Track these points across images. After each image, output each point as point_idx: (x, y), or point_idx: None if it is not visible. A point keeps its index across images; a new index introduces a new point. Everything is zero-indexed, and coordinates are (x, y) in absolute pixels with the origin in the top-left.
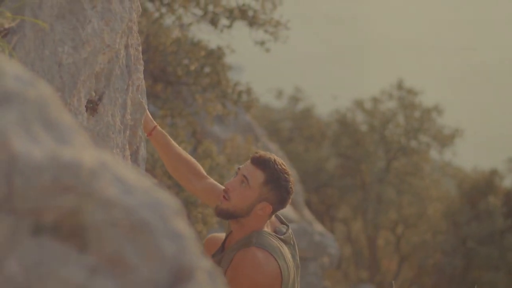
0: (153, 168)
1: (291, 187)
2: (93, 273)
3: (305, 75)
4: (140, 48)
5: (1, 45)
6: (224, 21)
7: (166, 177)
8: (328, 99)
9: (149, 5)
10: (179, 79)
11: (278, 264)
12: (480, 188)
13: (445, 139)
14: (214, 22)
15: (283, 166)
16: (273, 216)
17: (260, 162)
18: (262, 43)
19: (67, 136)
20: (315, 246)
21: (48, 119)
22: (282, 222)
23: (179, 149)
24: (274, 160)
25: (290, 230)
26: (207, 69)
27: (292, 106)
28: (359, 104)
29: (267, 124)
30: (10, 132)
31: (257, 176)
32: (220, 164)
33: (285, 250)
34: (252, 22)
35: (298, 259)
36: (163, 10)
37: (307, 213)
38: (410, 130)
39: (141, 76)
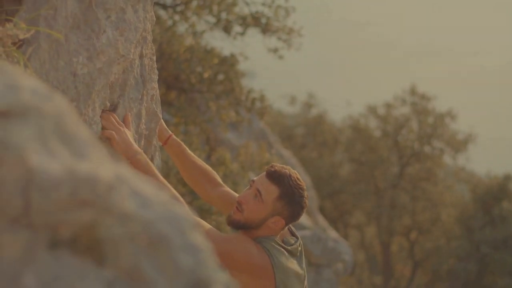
0: (167, 175)
1: (305, 202)
2: (110, 287)
3: (318, 81)
4: (154, 58)
5: (16, 56)
6: (237, 28)
7: (181, 185)
8: (341, 105)
9: (162, 13)
10: (192, 87)
11: (271, 263)
12: (494, 193)
13: (459, 145)
14: (227, 30)
15: (298, 182)
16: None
17: (275, 177)
18: (275, 50)
19: (83, 150)
20: (329, 252)
21: (65, 133)
22: (292, 234)
23: (194, 157)
24: (289, 176)
25: (299, 242)
26: (220, 77)
27: (305, 112)
28: (372, 109)
29: (280, 131)
30: (27, 146)
31: (271, 191)
32: (234, 171)
33: (289, 258)
34: (265, 29)
35: (305, 272)
36: (176, 17)
37: (320, 219)
38: (424, 136)
39: (156, 85)
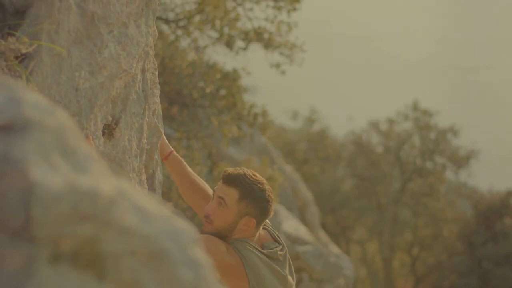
0: (169, 190)
1: (268, 195)
2: None
3: (320, 96)
4: (156, 72)
5: (18, 70)
6: (239, 43)
7: (182, 200)
8: (344, 120)
9: (165, 28)
10: (195, 102)
11: (242, 263)
12: (496, 209)
13: (461, 160)
14: (229, 45)
15: (255, 177)
16: (266, 233)
17: (231, 180)
18: (277, 65)
19: (85, 164)
20: (331, 268)
21: (66, 147)
22: (275, 240)
23: (194, 175)
24: (244, 174)
25: (281, 247)
26: (222, 92)
27: (307, 127)
28: (374, 125)
29: (283, 145)
30: (29, 160)
31: (232, 194)
32: None
33: (264, 260)
34: (268, 44)
35: (291, 278)
36: (179, 32)
37: (322, 235)
38: (426, 151)
39: (158, 100)
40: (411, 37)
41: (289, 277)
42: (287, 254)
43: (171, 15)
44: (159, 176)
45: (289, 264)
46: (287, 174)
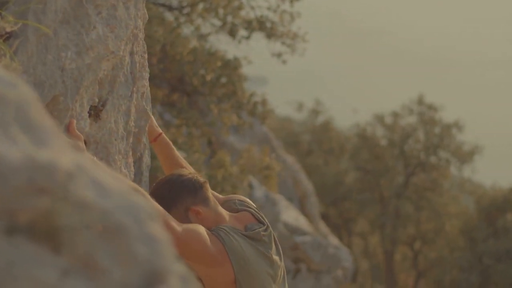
0: (156, 171)
1: (180, 181)
2: (65, 275)
3: (326, 88)
4: (145, 56)
5: (2, 48)
6: (242, 32)
7: None
8: (349, 112)
9: (168, 15)
10: (195, 89)
11: (225, 248)
12: (498, 205)
13: (465, 156)
14: (232, 33)
15: (160, 184)
16: (249, 214)
17: None
18: (279, 55)
19: (45, 138)
20: (329, 259)
21: (27, 121)
22: (259, 221)
23: (180, 158)
24: (153, 190)
25: (263, 228)
26: (223, 80)
27: (312, 119)
28: (379, 118)
29: (286, 136)
30: None
31: None
32: (233, 175)
33: (247, 242)
34: (270, 34)
35: (278, 259)
36: (182, 20)
37: (322, 226)
38: (430, 146)
39: (146, 83)
40: (424, 32)
41: (276, 257)
42: (273, 234)
43: (174, 2)
44: (146, 159)
45: (276, 244)
46: (288, 164)
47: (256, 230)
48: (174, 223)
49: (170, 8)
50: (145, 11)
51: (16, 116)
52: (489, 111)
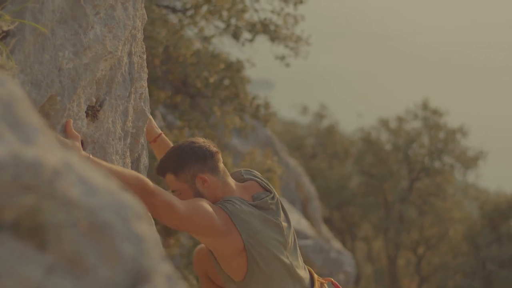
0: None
1: (191, 148)
2: (50, 272)
3: (331, 91)
4: (144, 56)
5: None
6: (246, 35)
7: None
8: (353, 116)
9: (172, 17)
10: (198, 91)
11: (230, 217)
12: (502, 210)
13: (469, 161)
14: (236, 36)
15: (172, 149)
16: (256, 183)
17: (160, 172)
18: (282, 57)
19: (32, 135)
20: (331, 263)
21: (14, 118)
22: (266, 190)
23: None
24: (164, 157)
25: (271, 196)
26: (226, 82)
27: (317, 123)
28: (384, 123)
29: (291, 140)
30: None
31: (170, 179)
32: None
33: (253, 210)
34: (274, 36)
35: (287, 225)
36: (186, 22)
37: (324, 229)
38: (434, 151)
39: (145, 84)
40: (427, 36)
41: (285, 224)
42: (280, 202)
43: (178, 4)
44: (144, 160)
45: (284, 211)
46: (291, 167)
47: (264, 199)
48: (177, 202)
49: (174, 10)
50: (144, 11)
51: (3, 114)
52: (494, 116)
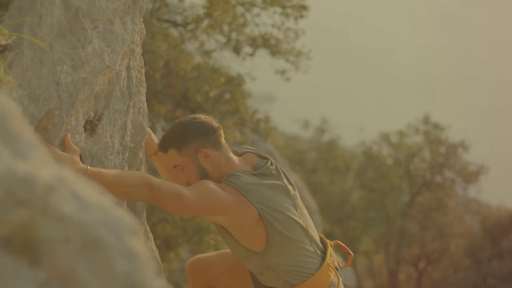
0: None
1: (193, 123)
2: None
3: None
4: (143, 71)
5: None
6: (247, 49)
7: None
8: (355, 130)
9: (173, 31)
10: (199, 105)
11: (237, 190)
12: (504, 225)
13: (470, 176)
14: (237, 50)
15: (174, 125)
16: (252, 155)
17: (162, 148)
18: (282, 72)
19: (25, 150)
20: None
21: (7, 133)
22: (263, 158)
23: None
24: (166, 133)
25: (270, 162)
26: (226, 96)
27: (318, 137)
28: (385, 137)
29: (292, 154)
30: None
31: (173, 155)
32: None
33: (256, 179)
34: (275, 51)
35: (292, 188)
36: (186, 36)
37: None
38: (435, 165)
39: (143, 98)
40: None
41: (289, 186)
42: (279, 166)
43: (179, 18)
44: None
45: (284, 174)
46: None
47: (265, 166)
48: (183, 190)
49: (175, 24)
50: (143, 26)
51: None
52: (496, 131)
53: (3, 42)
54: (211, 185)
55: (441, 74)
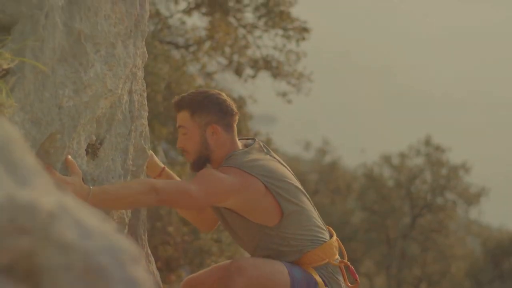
0: (169, 214)
1: (215, 97)
2: None
3: (334, 127)
4: (145, 94)
5: None
6: (248, 71)
7: (182, 224)
8: (356, 152)
9: (175, 53)
10: None
11: (251, 174)
12: (505, 247)
13: (471, 198)
14: (238, 72)
15: (196, 91)
16: (242, 141)
17: (177, 105)
18: (284, 94)
19: (27, 177)
20: None
21: (10, 160)
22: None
23: None
24: (187, 94)
25: (258, 141)
26: None
27: (319, 158)
28: (386, 159)
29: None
30: None
31: (184, 115)
32: None
33: (254, 154)
34: (276, 73)
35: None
36: (188, 57)
37: None
38: (437, 187)
39: (145, 122)
40: (430, 72)
41: (282, 162)
42: (262, 144)
43: (181, 40)
44: None
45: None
46: None
47: (255, 144)
48: (187, 185)
49: (177, 46)
50: (145, 49)
51: (0, 155)
52: (497, 152)
53: (5, 66)
54: (212, 171)
55: (443, 95)
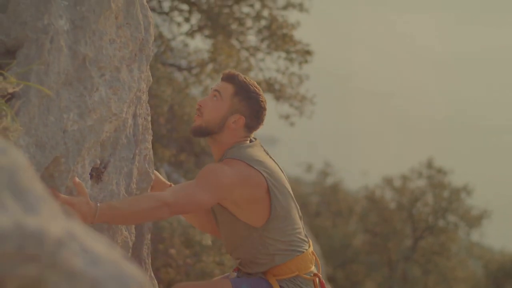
0: (171, 236)
1: (262, 101)
2: None
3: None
4: (149, 118)
5: (4, 109)
6: None
7: (184, 246)
8: (358, 174)
9: (177, 75)
10: (203, 149)
11: (256, 169)
12: (507, 270)
13: (473, 220)
14: None
15: (252, 82)
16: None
17: (229, 77)
18: (287, 117)
19: (35, 205)
20: None
21: (17, 187)
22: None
23: None
24: (243, 76)
25: (259, 141)
26: None
27: (321, 181)
28: (388, 181)
29: (295, 197)
30: None
31: (227, 88)
32: None
33: (255, 149)
34: (279, 96)
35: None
36: (191, 80)
37: None
38: (439, 210)
39: (149, 146)
40: (431, 96)
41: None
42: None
43: (183, 63)
44: (147, 222)
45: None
46: None
47: (257, 140)
48: (191, 188)
49: (179, 69)
50: (149, 73)
51: (8, 183)
52: (499, 174)
53: (11, 90)
54: (215, 168)
55: (444, 118)
